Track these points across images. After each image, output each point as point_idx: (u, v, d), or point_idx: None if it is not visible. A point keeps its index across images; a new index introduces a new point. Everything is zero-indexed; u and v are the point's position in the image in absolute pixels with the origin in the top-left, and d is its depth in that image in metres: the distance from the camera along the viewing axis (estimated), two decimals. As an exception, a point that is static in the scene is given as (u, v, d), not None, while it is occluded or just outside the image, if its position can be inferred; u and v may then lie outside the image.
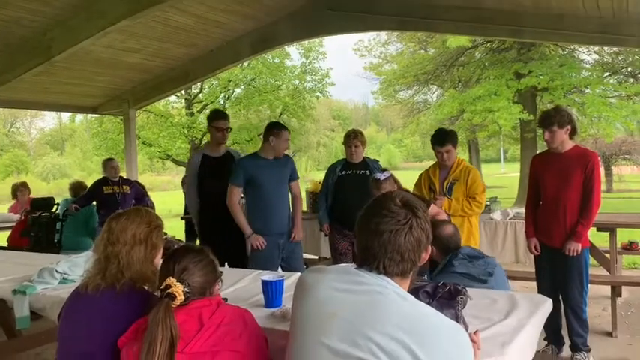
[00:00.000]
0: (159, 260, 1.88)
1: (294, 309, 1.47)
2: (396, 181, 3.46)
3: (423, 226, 1.42)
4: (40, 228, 5.57)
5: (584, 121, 15.54)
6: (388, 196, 1.47)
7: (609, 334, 4.13)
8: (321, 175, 5.19)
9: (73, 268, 2.69)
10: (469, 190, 3.90)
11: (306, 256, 5.11)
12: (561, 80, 13.99)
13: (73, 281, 2.69)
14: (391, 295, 1.34)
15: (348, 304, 1.34)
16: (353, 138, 4.35)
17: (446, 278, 2.60)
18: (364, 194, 3.42)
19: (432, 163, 4.25)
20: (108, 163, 6.15)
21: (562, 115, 3.47)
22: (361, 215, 1.45)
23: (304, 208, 5.31)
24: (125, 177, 6.35)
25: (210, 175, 4.33)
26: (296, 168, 4.38)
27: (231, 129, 4.50)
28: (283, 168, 4.17)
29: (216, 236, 4.31)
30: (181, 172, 8.82)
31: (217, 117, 4.40)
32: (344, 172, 4.36)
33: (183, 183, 6.57)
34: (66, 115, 39.19)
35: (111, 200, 5.79)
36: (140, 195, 6.31)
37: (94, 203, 5.99)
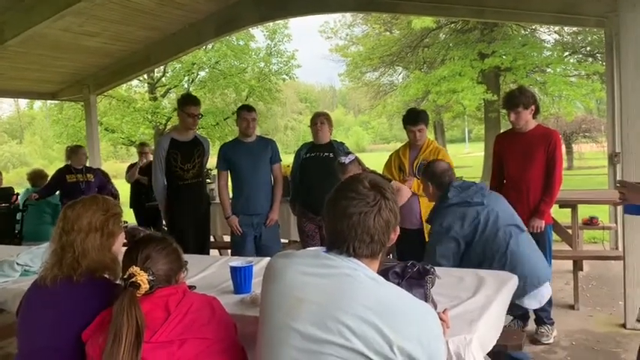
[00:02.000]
0: (118, 248, 1.84)
1: (263, 294, 1.46)
2: (360, 164, 3.46)
3: (392, 207, 1.41)
4: (-1, 219, 5.40)
5: (545, 100, 15.88)
6: (356, 178, 1.46)
7: (572, 307, 4.26)
8: (288, 159, 5.18)
9: (35, 259, 2.61)
10: None
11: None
12: (524, 60, 14.22)
13: (34, 273, 2.61)
14: (361, 277, 1.33)
15: (317, 288, 1.33)
16: (317, 116, 4.35)
17: (444, 214, 2.86)
18: (329, 177, 3.43)
19: (399, 144, 4.27)
20: (77, 150, 5.99)
21: (527, 96, 3.54)
22: (329, 198, 1.44)
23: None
24: (87, 165, 6.19)
25: (180, 160, 4.27)
26: (278, 151, 4.46)
27: (202, 115, 4.48)
28: (263, 150, 4.30)
29: (185, 222, 4.28)
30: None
31: (189, 102, 4.33)
32: (308, 155, 4.36)
33: (127, 171, 6.52)
34: (24, 102, 37.92)
35: (75, 188, 5.63)
36: (103, 183, 6.18)
37: (57, 192, 5.82)
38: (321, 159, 4.23)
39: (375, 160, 5.43)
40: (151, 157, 6.41)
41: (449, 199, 2.86)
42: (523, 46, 14.53)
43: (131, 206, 6.43)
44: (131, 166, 6.54)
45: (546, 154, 3.49)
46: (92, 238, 1.77)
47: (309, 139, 4.53)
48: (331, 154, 4.19)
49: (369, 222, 1.36)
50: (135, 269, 1.56)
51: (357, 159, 3.46)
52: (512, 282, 2.27)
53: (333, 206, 1.41)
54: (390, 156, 4.20)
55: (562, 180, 3.58)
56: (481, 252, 2.79)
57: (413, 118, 4.02)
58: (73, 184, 5.73)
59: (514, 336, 2.53)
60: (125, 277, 1.56)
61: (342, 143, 4.51)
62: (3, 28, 5.69)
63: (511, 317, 3.83)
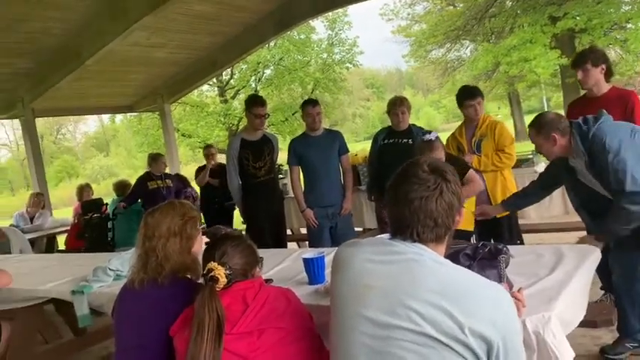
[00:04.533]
0: (198, 249, 1.94)
1: (333, 284, 1.49)
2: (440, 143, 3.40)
3: (454, 189, 1.40)
4: (92, 229, 5.80)
5: (628, 58, 14.84)
6: (415, 162, 1.45)
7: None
8: (358, 147, 5.19)
9: (124, 264, 2.78)
10: (497, 144, 3.83)
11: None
12: (600, 18, 13.36)
13: (126, 277, 2.80)
14: (427, 262, 1.33)
15: (384, 275, 1.34)
16: (398, 105, 4.25)
17: (601, 138, 2.53)
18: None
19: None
20: (157, 159, 6.24)
21: (595, 54, 3.33)
22: (390, 185, 1.44)
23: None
24: (167, 171, 6.50)
25: (252, 158, 4.40)
26: (345, 142, 4.53)
27: (268, 115, 4.58)
28: (331, 143, 4.37)
29: (261, 218, 4.42)
30: (222, 159, 8.93)
31: (255, 103, 4.43)
32: (386, 141, 4.32)
33: (196, 175, 6.58)
34: (106, 117, 40.31)
35: (157, 194, 5.92)
36: (180, 188, 6.43)
37: (139, 200, 6.14)
38: (400, 145, 4.18)
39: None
40: (217, 159, 6.63)
41: (592, 127, 2.60)
42: (598, 3, 13.64)
43: (201, 208, 6.60)
44: (200, 170, 6.65)
45: (624, 117, 3.26)
46: (172, 243, 1.88)
47: (379, 125, 4.52)
48: (410, 141, 4.13)
49: (431, 206, 1.35)
50: (213, 264, 1.65)
51: (439, 139, 3.39)
52: (595, 255, 2.17)
53: (394, 192, 1.41)
54: (447, 139, 4.10)
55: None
56: None
57: (469, 92, 3.96)
58: (155, 190, 6.02)
59: (603, 311, 2.43)
60: (204, 272, 1.66)
61: (420, 128, 4.43)
62: (80, 51, 6.09)
63: (602, 291, 3.66)
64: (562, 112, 3.42)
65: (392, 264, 1.35)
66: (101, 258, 3.43)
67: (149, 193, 6.02)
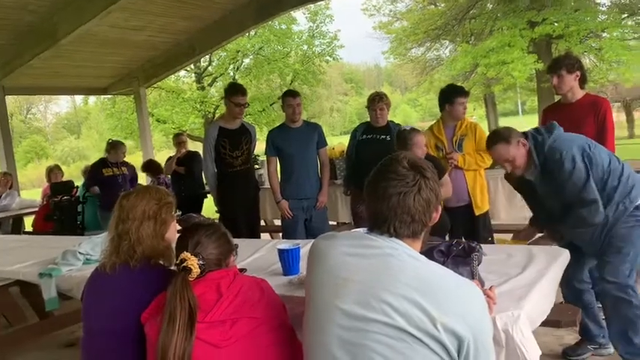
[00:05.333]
0: (171, 236, 1.92)
1: (309, 276, 1.50)
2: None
3: (432, 186, 1.41)
4: (62, 211, 5.68)
5: (602, 66, 15.17)
6: (395, 158, 1.46)
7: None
8: (335, 141, 5.19)
9: (95, 248, 2.74)
10: (478, 145, 3.90)
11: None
12: (577, 26, 13.60)
13: (97, 261, 2.73)
14: (402, 257, 1.35)
15: (360, 268, 1.35)
16: (378, 101, 4.28)
17: (559, 148, 2.57)
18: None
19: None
20: (118, 147, 6.10)
21: (570, 60, 3.40)
22: (369, 180, 1.45)
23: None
24: (141, 156, 6.41)
25: (229, 147, 4.37)
26: (324, 135, 4.52)
27: (248, 104, 4.55)
28: (311, 135, 4.36)
29: (236, 207, 4.39)
30: (197, 147, 8.84)
31: (236, 92, 4.38)
32: (364, 137, 4.34)
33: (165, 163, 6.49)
34: (79, 98, 39.45)
35: (113, 182, 5.83)
36: (135, 176, 6.34)
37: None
38: (377, 141, 4.21)
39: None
40: (188, 147, 6.57)
41: (546, 138, 2.64)
42: (575, 11, 13.90)
43: None
44: (170, 158, 6.63)
45: (596, 124, 3.34)
46: (146, 226, 1.86)
47: (356, 120, 4.55)
48: (388, 137, 4.16)
49: (409, 202, 1.37)
50: (186, 254, 1.63)
51: (420, 132, 3.50)
52: (564, 257, 2.22)
53: (373, 187, 1.42)
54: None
55: (614, 149, 3.43)
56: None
57: (462, 89, 4.03)
58: (110, 178, 5.90)
59: (568, 311, 2.48)
60: (177, 262, 1.65)
61: (398, 124, 4.46)
62: (56, 29, 5.94)
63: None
64: (536, 117, 3.48)
65: (369, 258, 1.36)
66: (71, 241, 3.37)
67: (105, 180, 5.89)
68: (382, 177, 1.41)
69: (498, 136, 2.74)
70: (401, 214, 1.37)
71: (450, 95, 3.96)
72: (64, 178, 6.72)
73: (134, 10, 6.19)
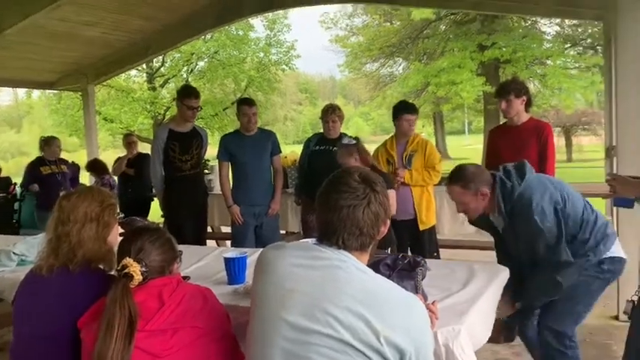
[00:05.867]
0: (113, 239, 1.86)
1: (255, 285, 1.48)
2: (364, 151, 3.51)
3: (382, 200, 1.43)
4: (-3, 208, 5.43)
5: (545, 92, 15.89)
6: (347, 171, 1.48)
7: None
8: (288, 150, 5.19)
9: (30, 249, 2.63)
10: (427, 161, 4.02)
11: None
12: (524, 52, 14.22)
13: (31, 263, 2.63)
14: (350, 269, 1.35)
15: (307, 280, 1.35)
16: (330, 112, 4.33)
17: (529, 196, 2.38)
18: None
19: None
20: (51, 142, 5.88)
21: (518, 85, 3.56)
22: (321, 191, 1.46)
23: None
24: (85, 154, 6.20)
25: (179, 151, 4.28)
26: (278, 143, 4.51)
27: (201, 108, 4.48)
28: (265, 142, 4.35)
29: (183, 212, 4.31)
30: (145, 148, 8.61)
31: (189, 95, 4.31)
32: (317, 147, 4.38)
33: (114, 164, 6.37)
34: (22, 91, 37.79)
35: (52, 180, 5.62)
36: (76, 174, 6.14)
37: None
38: (331, 152, 4.20)
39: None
40: (138, 148, 6.42)
41: (516, 186, 2.43)
42: (523, 38, 14.52)
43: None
44: (119, 159, 6.48)
45: (538, 147, 3.50)
46: (88, 229, 1.78)
47: (309, 130, 4.57)
48: None
49: (358, 215, 1.38)
50: (128, 261, 1.57)
51: (357, 145, 3.49)
52: (504, 275, 2.30)
53: (324, 199, 1.43)
54: (377, 149, 4.22)
55: (555, 172, 3.59)
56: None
57: (410, 106, 4.11)
58: (49, 176, 5.69)
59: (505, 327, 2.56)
60: (119, 268, 1.58)
61: (351, 137, 4.49)
62: (2, 19, 5.67)
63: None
64: (482, 136, 3.60)
65: (316, 269, 1.36)
66: (5, 240, 3.21)
67: (44, 178, 5.67)
68: (334, 188, 1.42)
69: (458, 178, 2.49)
70: (350, 227, 1.38)
71: (397, 112, 4.07)
72: (2, 175, 6.40)
73: (85, 4, 5.98)
